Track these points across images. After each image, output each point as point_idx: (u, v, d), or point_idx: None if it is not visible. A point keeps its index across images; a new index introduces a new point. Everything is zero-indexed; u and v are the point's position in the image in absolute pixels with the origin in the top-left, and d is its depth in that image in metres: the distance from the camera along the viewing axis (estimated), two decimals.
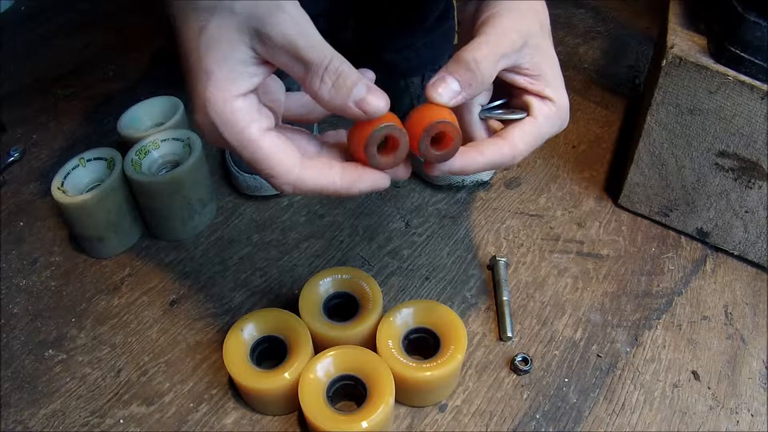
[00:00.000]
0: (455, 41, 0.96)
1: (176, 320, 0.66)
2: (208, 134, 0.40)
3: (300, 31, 0.38)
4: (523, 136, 0.45)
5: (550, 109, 0.45)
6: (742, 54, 0.61)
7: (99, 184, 0.67)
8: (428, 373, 0.55)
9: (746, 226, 0.70)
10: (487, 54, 0.42)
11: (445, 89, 0.42)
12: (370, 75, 0.45)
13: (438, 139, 0.42)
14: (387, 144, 0.42)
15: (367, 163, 0.42)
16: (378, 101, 0.40)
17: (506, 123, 0.46)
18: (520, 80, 0.45)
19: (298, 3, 0.39)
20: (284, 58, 0.38)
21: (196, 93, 0.39)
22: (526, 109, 0.46)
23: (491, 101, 0.48)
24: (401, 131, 0.41)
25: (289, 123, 0.47)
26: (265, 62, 0.39)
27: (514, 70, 0.45)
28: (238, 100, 0.39)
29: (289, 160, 0.40)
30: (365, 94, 0.40)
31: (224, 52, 0.38)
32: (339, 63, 0.39)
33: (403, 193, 0.79)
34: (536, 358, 0.63)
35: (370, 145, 0.41)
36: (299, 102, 0.47)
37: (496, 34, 0.43)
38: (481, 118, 0.47)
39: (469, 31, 0.46)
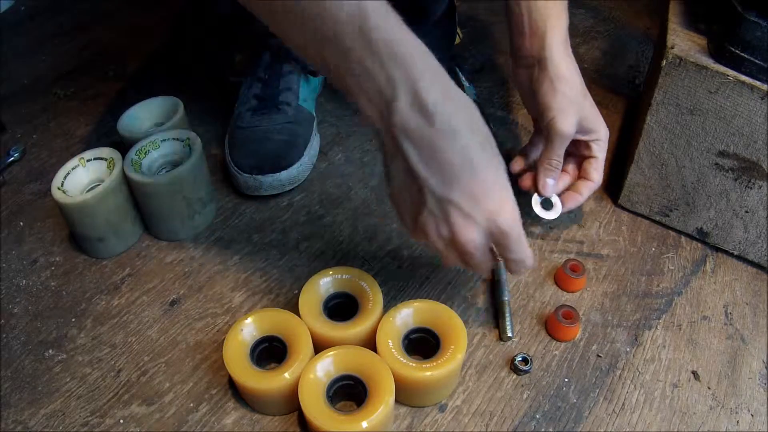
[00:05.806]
0: (456, 42, 0.96)
1: (176, 320, 0.66)
2: (485, 232, 0.50)
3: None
4: (597, 170, 0.68)
5: (600, 146, 0.67)
6: (742, 54, 0.61)
7: (99, 184, 0.67)
8: (428, 373, 0.55)
9: (746, 226, 0.70)
10: (556, 152, 0.65)
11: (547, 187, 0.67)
12: None
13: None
14: None
15: None
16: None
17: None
18: (582, 138, 0.67)
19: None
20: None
21: (491, 197, 0.48)
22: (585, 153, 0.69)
23: None
24: None
25: None
26: None
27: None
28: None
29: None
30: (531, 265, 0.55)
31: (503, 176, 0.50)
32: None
33: None
34: (536, 358, 0.63)
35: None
36: None
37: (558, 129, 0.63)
38: None
39: (530, 95, 0.67)
